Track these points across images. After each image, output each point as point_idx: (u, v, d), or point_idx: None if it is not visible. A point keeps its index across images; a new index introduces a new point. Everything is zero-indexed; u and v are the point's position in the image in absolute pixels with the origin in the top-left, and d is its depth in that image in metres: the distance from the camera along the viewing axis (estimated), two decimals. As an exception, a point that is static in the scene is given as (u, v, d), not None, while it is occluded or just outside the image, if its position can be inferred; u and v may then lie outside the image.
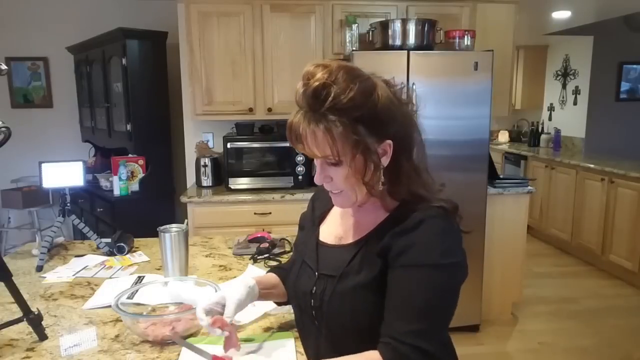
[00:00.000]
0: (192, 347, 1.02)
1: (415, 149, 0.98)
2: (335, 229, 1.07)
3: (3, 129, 1.17)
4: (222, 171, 3.32)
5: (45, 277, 1.66)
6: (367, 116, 0.88)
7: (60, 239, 2.09)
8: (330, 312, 0.96)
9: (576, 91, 5.40)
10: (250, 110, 3.24)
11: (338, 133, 0.86)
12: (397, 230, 0.91)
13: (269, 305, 1.30)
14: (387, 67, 2.88)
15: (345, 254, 0.99)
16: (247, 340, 1.16)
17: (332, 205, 1.11)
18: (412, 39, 2.92)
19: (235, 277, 1.64)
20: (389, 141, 0.92)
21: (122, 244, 1.88)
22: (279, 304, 1.24)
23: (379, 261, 0.93)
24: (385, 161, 0.93)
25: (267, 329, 1.25)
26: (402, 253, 0.89)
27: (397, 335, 0.85)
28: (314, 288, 1.01)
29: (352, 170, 0.91)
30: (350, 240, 1.02)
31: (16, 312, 1.22)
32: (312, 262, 1.05)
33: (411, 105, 0.98)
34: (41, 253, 1.76)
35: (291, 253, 1.57)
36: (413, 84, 2.83)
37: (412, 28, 2.91)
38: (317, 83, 0.86)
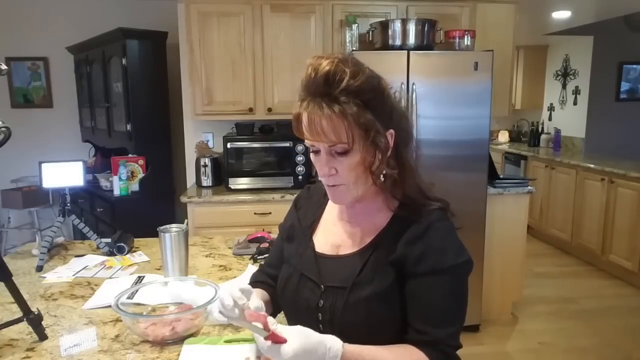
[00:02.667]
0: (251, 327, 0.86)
1: (411, 145, 1.00)
2: (331, 238, 1.04)
3: (3, 129, 1.18)
4: (222, 171, 3.32)
5: (45, 277, 1.66)
6: (375, 102, 0.90)
7: (60, 239, 2.09)
8: (343, 324, 0.93)
9: (576, 91, 5.40)
10: (250, 110, 3.24)
11: (352, 114, 0.87)
12: (408, 239, 0.93)
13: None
14: (387, 67, 2.87)
15: (352, 264, 0.97)
16: (248, 340, 1.15)
17: (321, 214, 1.10)
18: (412, 39, 2.92)
19: (235, 277, 1.64)
20: (392, 131, 0.94)
21: (122, 244, 1.88)
22: None
23: (391, 270, 0.93)
24: (389, 150, 0.94)
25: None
26: (419, 261, 0.91)
27: (442, 340, 0.90)
28: (321, 302, 0.97)
29: (361, 157, 0.91)
30: (353, 248, 0.99)
31: (16, 312, 1.22)
32: (314, 275, 1.00)
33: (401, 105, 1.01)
34: (41, 253, 1.76)
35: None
36: (413, 84, 2.83)
37: (412, 28, 2.91)
38: (328, 67, 0.87)
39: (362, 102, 0.88)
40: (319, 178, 0.98)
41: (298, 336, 0.81)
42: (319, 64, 0.88)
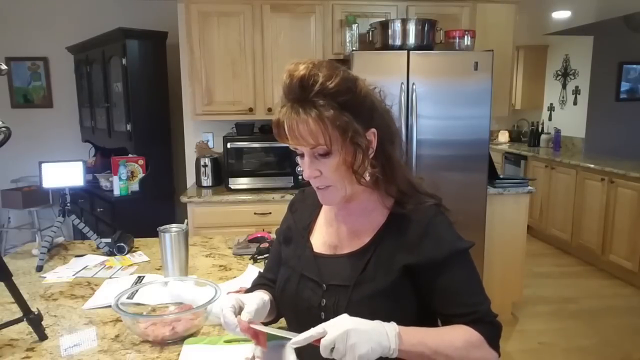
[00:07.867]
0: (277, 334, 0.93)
1: (397, 142, 1.01)
2: (327, 238, 1.05)
3: (3, 129, 1.18)
4: (222, 171, 3.32)
5: (45, 277, 1.66)
6: (352, 102, 0.91)
7: (60, 239, 2.09)
8: None
9: (576, 91, 5.40)
10: (250, 110, 3.24)
11: (329, 117, 0.88)
12: (413, 242, 0.94)
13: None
14: (387, 67, 2.88)
15: (352, 262, 0.98)
16: (248, 340, 1.15)
17: (316, 216, 1.10)
18: (412, 39, 2.92)
19: (235, 277, 1.65)
20: (374, 129, 0.95)
21: (122, 244, 1.88)
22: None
23: (397, 269, 0.93)
24: (371, 149, 0.95)
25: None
26: (435, 255, 0.93)
27: (486, 312, 0.95)
28: (323, 301, 0.98)
29: (342, 158, 0.92)
30: (351, 248, 1.00)
31: (16, 312, 1.22)
32: (314, 275, 1.01)
33: (384, 103, 1.01)
34: (41, 253, 1.76)
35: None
36: (413, 84, 2.83)
37: (412, 28, 2.92)
38: (302, 72, 0.89)
39: (338, 104, 0.89)
40: (305, 179, 0.99)
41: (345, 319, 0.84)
42: (295, 70, 0.90)
